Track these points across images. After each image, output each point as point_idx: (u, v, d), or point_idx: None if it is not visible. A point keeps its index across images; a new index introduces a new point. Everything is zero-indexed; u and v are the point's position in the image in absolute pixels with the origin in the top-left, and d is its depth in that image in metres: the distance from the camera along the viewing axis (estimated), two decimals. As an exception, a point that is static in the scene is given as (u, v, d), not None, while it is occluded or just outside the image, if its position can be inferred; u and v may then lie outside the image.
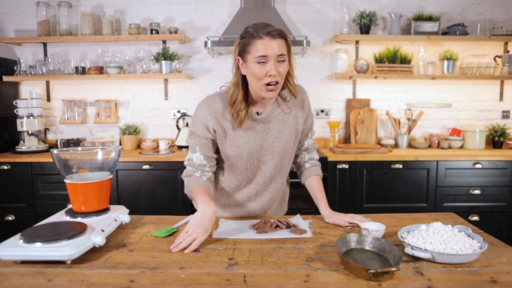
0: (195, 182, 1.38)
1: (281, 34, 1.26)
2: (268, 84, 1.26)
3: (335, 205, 2.89)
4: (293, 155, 1.52)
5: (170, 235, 1.28)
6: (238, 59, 1.31)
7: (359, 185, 2.90)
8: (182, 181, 1.46)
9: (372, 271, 0.93)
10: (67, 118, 3.43)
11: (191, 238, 1.16)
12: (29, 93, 3.20)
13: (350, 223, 1.35)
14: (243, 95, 1.33)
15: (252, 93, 1.34)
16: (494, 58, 3.29)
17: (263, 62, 1.24)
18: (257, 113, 1.38)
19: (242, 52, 1.28)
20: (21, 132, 3.17)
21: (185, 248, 1.15)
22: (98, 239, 1.10)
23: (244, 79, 1.32)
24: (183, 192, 1.42)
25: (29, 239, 1.04)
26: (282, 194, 1.62)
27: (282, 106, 1.40)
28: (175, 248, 1.15)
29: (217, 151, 1.45)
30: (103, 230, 1.16)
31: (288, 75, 1.33)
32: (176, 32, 3.27)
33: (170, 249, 1.15)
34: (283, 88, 1.37)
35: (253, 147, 1.38)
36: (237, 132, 1.37)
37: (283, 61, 1.26)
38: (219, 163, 1.50)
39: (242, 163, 1.41)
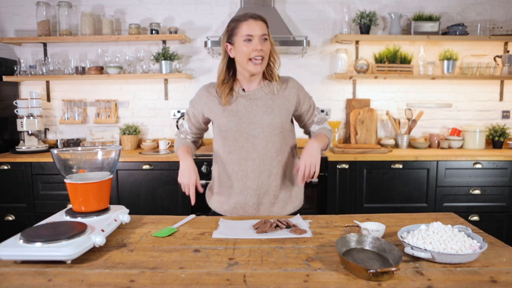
0: (180, 142, 1.68)
1: (262, 18, 1.47)
2: (254, 59, 1.45)
3: (335, 205, 2.89)
4: (289, 135, 1.61)
5: (170, 235, 1.28)
6: (227, 45, 1.51)
7: (359, 185, 2.90)
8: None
9: (372, 271, 0.93)
10: (67, 118, 3.43)
11: (186, 187, 1.46)
12: (29, 93, 3.20)
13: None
14: (227, 76, 1.54)
15: (240, 72, 1.54)
16: (494, 58, 3.29)
17: (249, 40, 1.44)
18: (243, 89, 1.55)
19: (230, 36, 1.48)
20: (21, 132, 3.17)
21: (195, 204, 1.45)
22: (98, 239, 1.10)
23: (229, 64, 1.54)
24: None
25: (29, 239, 1.04)
26: (287, 173, 1.61)
27: (271, 87, 1.55)
28: (191, 197, 1.44)
29: (202, 128, 1.69)
30: (103, 230, 1.16)
31: (270, 56, 1.52)
32: (176, 32, 3.27)
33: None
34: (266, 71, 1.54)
35: (241, 119, 1.52)
36: (226, 106, 1.54)
37: (266, 39, 1.46)
38: (217, 149, 1.64)
39: (232, 133, 1.54)
